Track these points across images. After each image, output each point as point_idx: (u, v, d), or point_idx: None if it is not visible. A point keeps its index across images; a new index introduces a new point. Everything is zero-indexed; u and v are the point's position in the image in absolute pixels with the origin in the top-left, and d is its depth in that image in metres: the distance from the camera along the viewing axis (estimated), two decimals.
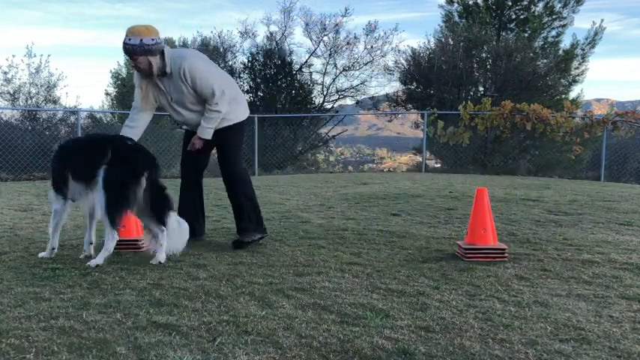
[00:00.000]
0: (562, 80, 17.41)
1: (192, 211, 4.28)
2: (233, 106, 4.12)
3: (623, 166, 12.70)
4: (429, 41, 17.95)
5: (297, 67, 17.48)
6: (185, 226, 3.78)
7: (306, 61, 17.63)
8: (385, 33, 17.80)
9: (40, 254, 3.73)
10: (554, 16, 17.72)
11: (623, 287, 3.03)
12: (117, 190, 3.46)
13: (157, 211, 3.64)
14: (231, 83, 4.24)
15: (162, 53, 3.88)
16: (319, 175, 11.73)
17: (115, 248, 3.87)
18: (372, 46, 17.57)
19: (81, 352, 2.10)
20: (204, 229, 4.49)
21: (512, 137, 13.57)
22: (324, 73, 17.87)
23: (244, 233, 4.10)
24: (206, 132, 4.04)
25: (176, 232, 3.69)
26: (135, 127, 4.05)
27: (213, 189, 8.42)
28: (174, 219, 3.70)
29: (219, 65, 18.52)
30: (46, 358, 2.04)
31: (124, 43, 3.84)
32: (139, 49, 3.80)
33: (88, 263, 3.48)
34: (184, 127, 4.31)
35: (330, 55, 17.62)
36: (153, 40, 3.81)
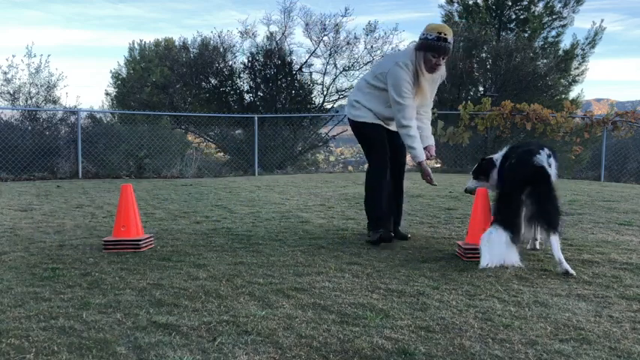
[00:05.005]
0: (562, 80, 17.42)
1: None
2: None
3: (623, 166, 12.69)
4: None
5: (297, 67, 17.49)
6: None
7: (306, 61, 17.64)
8: (385, 33, 17.84)
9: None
10: (554, 16, 17.73)
11: (623, 287, 3.03)
12: None
13: None
14: None
15: None
16: (319, 175, 11.73)
17: (114, 248, 3.89)
18: (372, 46, 17.59)
19: (81, 352, 2.10)
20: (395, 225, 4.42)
21: (512, 137, 13.56)
22: (324, 73, 17.88)
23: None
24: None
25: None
26: (423, 132, 4.24)
27: (213, 189, 8.42)
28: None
29: (218, 65, 18.54)
30: (46, 358, 2.04)
31: (448, 42, 3.89)
32: (452, 49, 3.98)
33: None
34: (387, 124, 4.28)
35: (330, 55, 17.62)
36: None
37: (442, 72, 4.17)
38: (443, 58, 3.96)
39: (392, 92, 4.01)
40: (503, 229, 3.37)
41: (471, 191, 4.19)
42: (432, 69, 3.99)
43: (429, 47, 3.90)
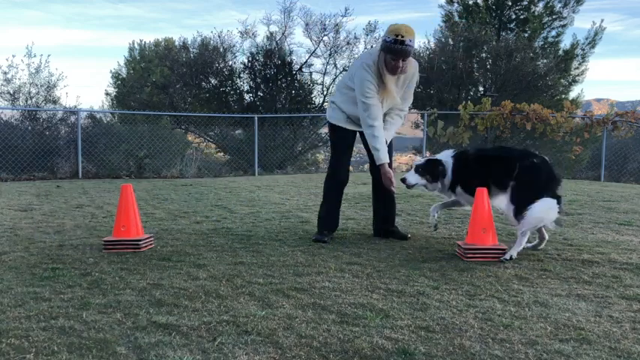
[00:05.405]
0: (562, 80, 17.42)
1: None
2: None
3: (623, 166, 12.68)
4: (429, 41, 18.02)
5: (297, 67, 17.49)
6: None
7: (306, 61, 17.65)
8: None
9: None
10: (554, 16, 17.73)
11: (623, 287, 3.03)
12: None
13: None
14: None
15: None
16: (319, 175, 11.72)
17: (114, 248, 3.89)
18: (372, 46, 17.56)
19: (81, 352, 2.10)
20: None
21: (512, 137, 13.57)
22: (324, 73, 17.88)
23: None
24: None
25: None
26: (387, 125, 4.22)
27: (213, 189, 8.42)
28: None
29: (218, 65, 18.51)
30: (46, 358, 2.05)
31: (405, 44, 3.84)
32: (411, 51, 3.93)
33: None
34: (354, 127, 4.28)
35: (330, 55, 17.63)
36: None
37: (411, 73, 4.15)
38: (403, 60, 3.91)
39: (357, 92, 4.07)
40: (557, 204, 3.65)
41: (411, 186, 4.17)
42: (392, 71, 3.97)
43: (387, 49, 3.89)
